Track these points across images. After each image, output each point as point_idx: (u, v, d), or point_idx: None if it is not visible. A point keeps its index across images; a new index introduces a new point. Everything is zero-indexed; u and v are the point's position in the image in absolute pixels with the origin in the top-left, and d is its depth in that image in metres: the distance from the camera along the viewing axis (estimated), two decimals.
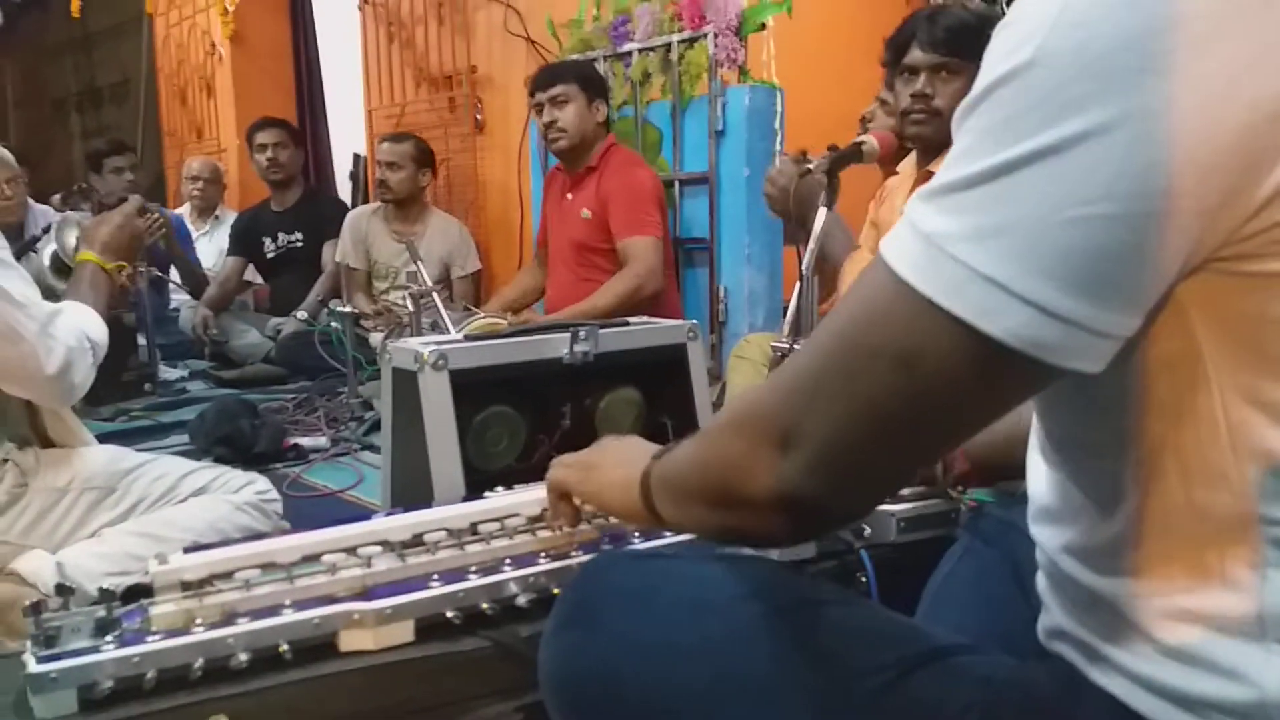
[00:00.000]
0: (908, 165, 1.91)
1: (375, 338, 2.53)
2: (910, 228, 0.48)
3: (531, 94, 2.77)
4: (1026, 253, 0.44)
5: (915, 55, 1.70)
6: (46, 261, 2.01)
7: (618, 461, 0.75)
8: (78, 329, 1.25)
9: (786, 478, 0.51)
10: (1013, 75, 0.44)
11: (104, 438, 1.58)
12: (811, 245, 1.53)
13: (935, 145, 1.75)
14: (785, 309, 1.84)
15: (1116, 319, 0.45)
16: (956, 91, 1.69)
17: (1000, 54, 0.46)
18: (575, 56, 3.09)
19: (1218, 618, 0.49)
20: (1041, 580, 0.64)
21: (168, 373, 3.03)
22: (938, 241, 0.46)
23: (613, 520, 0.94)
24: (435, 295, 2.16)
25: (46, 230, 3.12)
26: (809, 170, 1.59)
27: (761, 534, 0.58)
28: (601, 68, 3.01)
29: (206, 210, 4.32)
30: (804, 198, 1.74)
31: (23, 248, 2.56)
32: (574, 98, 2.67)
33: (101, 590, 0.78)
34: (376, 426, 2.24)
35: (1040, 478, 0.62)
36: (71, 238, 1.59)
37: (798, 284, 1.55)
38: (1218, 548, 0.49)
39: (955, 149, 0.48)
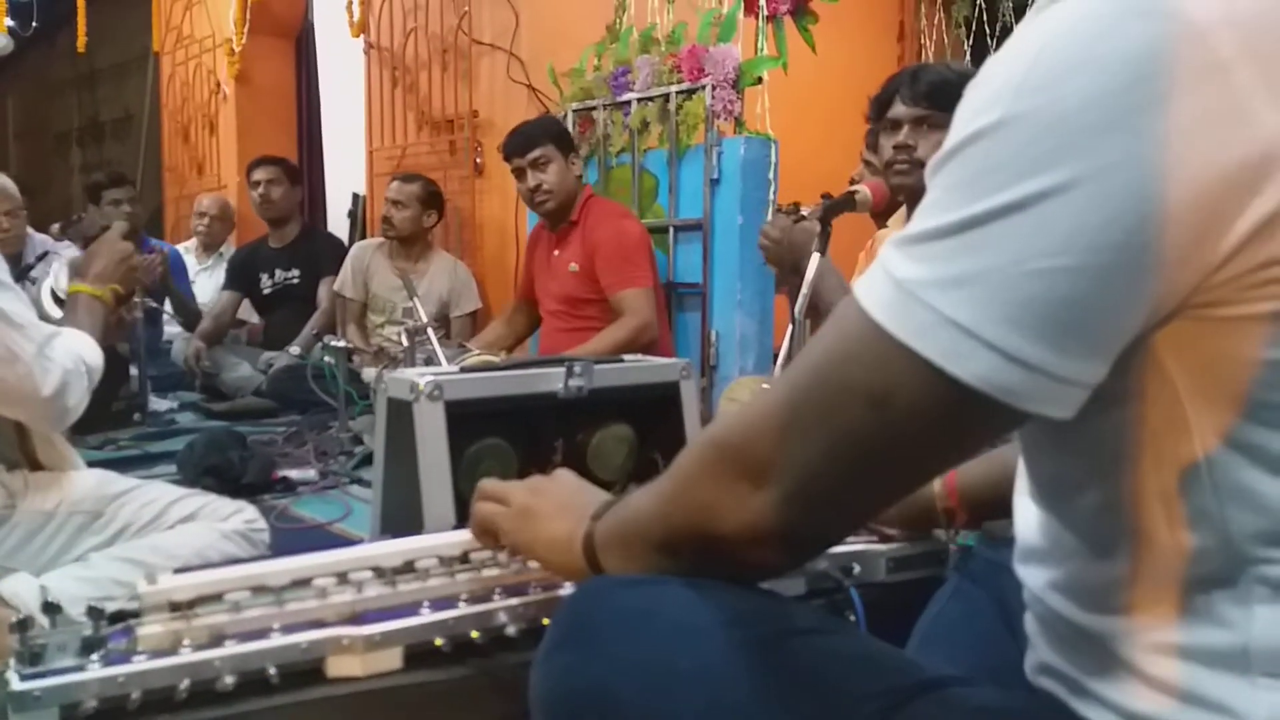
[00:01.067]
0: (897, 220, 1.96)
1: (368, 373, 2.54)
2: (883, 272, 0.50)
3: (507, 159, 2.79)
4: (991, 301, 0.46)
5: (898, 109, 1.77)
6: (46, 296, 2.02)
7: (556, 512, 0.74)
8: (74, 352, 1.26)
9: (762, 512, 0.53)
10: (981, 134, 0.47)
11: (91, 466, 1.58)
12: (804, 290, 1.55)
13: (920, 195, 1.79)
14: (775, 354, 1.87)
15: (1079, 366, 0.47)
16: (937, 143, 1.70)
17: (970, 112, 0.48)
18: (575, 105, 3.15)
19: (1204, 652, 0.49)
20: (1029, 619, 0.64)
21: (158, 403, 3.02)
22: (909, 287, 0.48)
23: None
24: (430, 331, 2.17)
25: (41, 258, 3.15)
26: (803, 217, 1.63)
27: (727, 571, 0.59)
28: (600, 116, 3.06)
29: (211, 246, 4.34)
30: (797, 244, 1.79)
31: (17, 276, 2.57)
32: (553, 158, 2.71)
33: (89, 608, 0.78)
34: (366, 461, 2.24)
35: (1027, 518, 0.63)
36: (65, 278, 1.61)
37: (790, 327, 1.57)
38: (1204, 585, 0.50)
39: (927, 200, 0.50)
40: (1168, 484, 0.50)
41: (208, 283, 4.19)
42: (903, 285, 0.49)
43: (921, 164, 1.74)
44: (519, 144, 2.74)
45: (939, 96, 1.73)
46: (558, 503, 0.76)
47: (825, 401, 0.51)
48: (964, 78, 1.78)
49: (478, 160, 3.72)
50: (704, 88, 2.78)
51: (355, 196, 4.44)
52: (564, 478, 0.81)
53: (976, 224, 0.47)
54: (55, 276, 1.86)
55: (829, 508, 0.53)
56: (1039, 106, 0.45)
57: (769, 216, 2.81)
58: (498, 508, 0.81)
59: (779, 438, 0.52)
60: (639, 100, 2.98)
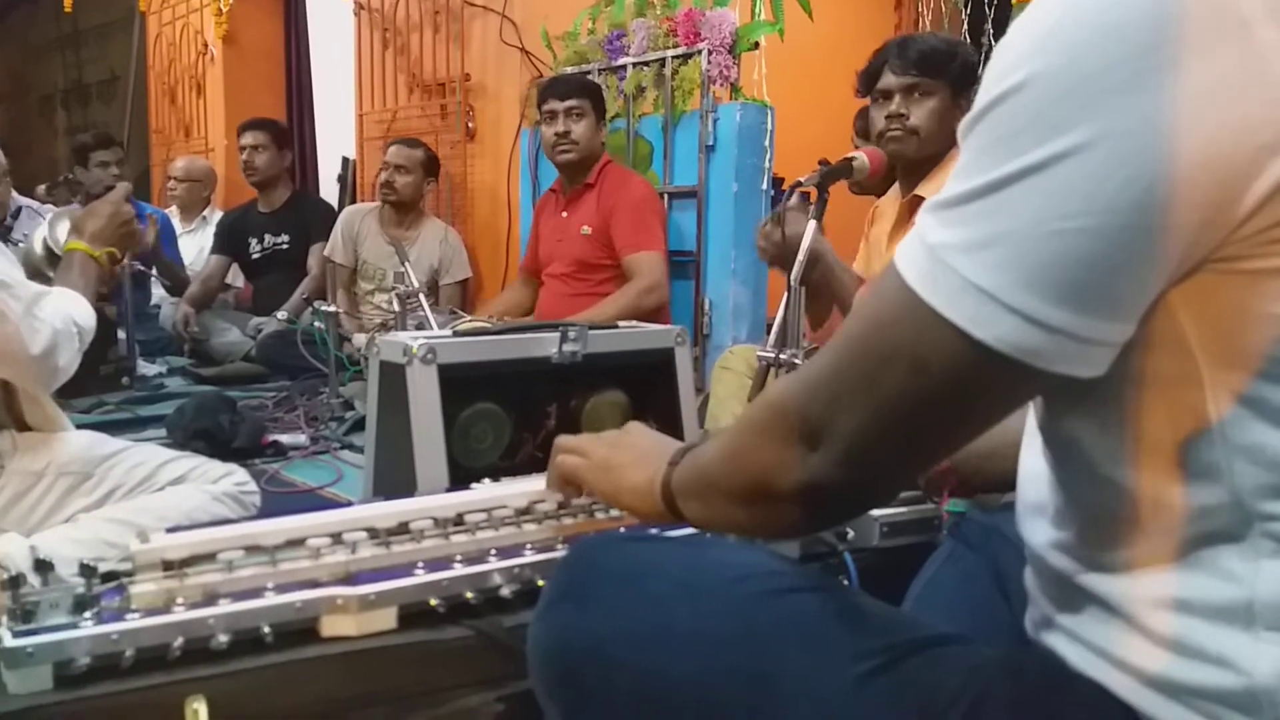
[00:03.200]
0: (896, 189, 1.94)
1: (359, 338, 2.52)
2: (919, 238, 0.51)
3: (542, 100, 2.75)
4: (1013, 264, 0.47)
5: (888, 79, 1.78)
6: (40, 251, 1.99)
7: (635, 461, 0.77)
8: (64, 312, 1.24)
9: (817, 472, 0.55)
10: (1006, 96, 0.48)
11: (80, 428, 1.56)
12: (800, 257, 1.54)
13: (915, 164, 1.79)
14: (769, 323, 1.86)
15: (1102, 326, 0.47)
16: (929, 110, 1.76)
17: (996, 75, 0.49)
18: (569, 69, 3.11)
19: (1207, 607, 0.50)
20: (1029, 576, 0.64)
21: (146, 368, 3.00)
22: (938, 253, 0.49)
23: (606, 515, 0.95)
24: (422, 297, 2.15)
25: (16, 215, 3.10)
26: (799, 184, 1.62)
27: (786, 525, 0.61)
28: (595, 80, 3.03)
29: (190, 210, 4.29)
30: (795, 233, 1.76)
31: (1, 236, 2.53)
32: (587, 113, 2.69)
33: (82, 566, 0.77)
34: (357, 426, 2.23)
35: (1032, 475, 0.63)
36: (62, 231, 1.57)
37: (785, 295, 1.56)
38: (1210, 541, 0.50)
39: (958, 165, 0.51)
40: (1177, 439, 0.50)
41: (190, 246, 4.14)
42: (934, 250, 0.50)
43: (915, 131, 1.76)
44: (561, 88, 2.73)
45: (928, 64, 1.74)
46: (636, 453, 0.78)
47: (869, 367, 0.52)
48: (952, 46, 1.81)
49: (469, 125, 3.68)
50: (700, 52, 2.75)
51: (345, 160, 4.39)
52: (637, 429, 0.83)
53: (998, 188, 0.47)
54: (51, 227, 1.83)
55: (878, 468, 0.55)
56: (1061, 68, 0.46)
57: (763, 186, 2.80)
58: (579, 460, 0.82)
59: (830, 403, 0.54)
60: (634, 65, 2.94)
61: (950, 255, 0.49)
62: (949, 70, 1.75)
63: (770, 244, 1.77)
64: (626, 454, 0.79)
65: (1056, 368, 0.48)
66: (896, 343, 0.51)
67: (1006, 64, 0.48)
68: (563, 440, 0.86)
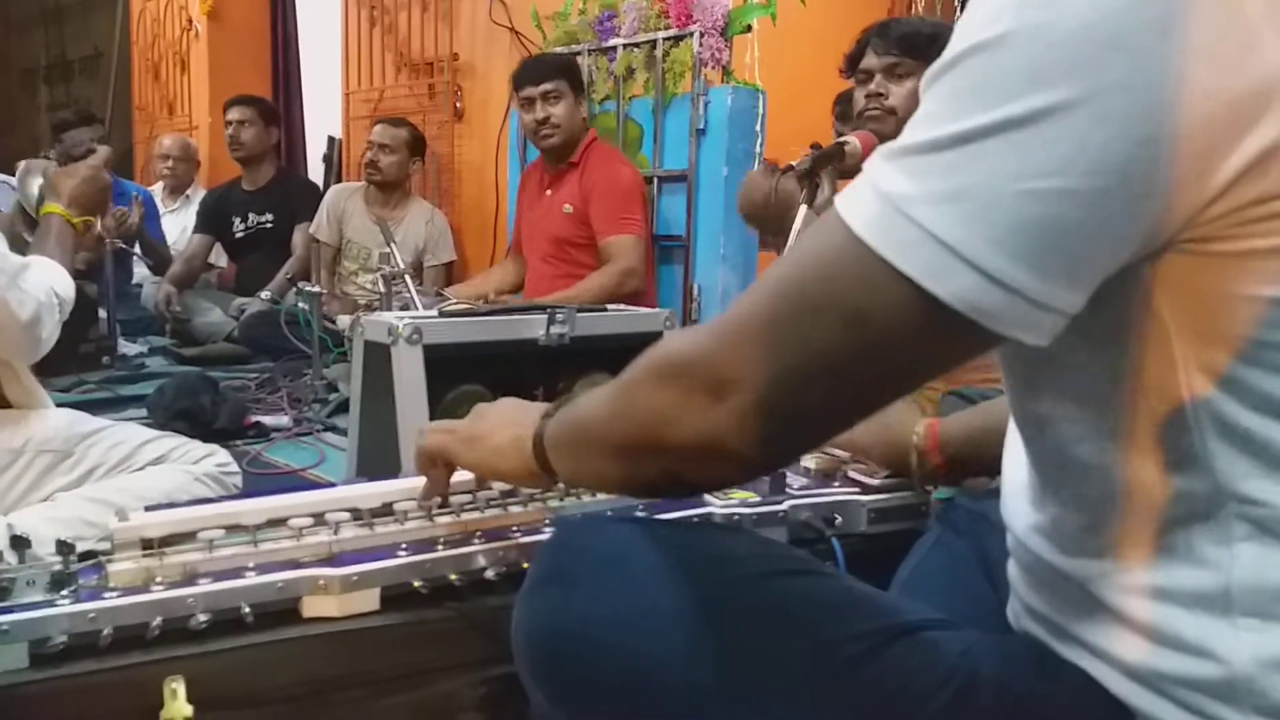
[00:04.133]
0: None
1: (343, 320, 2.50)
2: (870, 186, 0.49)
3: (518, 87, 2.74)
4: (979, 219, 0.45)
5: (870, 60, 1.82)
6: (13, 209, 1.94)
7: (503, 424, 0.74)
8: (46, 284, 1.22)
9: (719, 424, 0.51)
10: (985, 46, 0.45)
11: (59, 407, 1.54)
12: (791, 241, 1.53)
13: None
14: None
15: (1058, 293, 0.46)
16: (908, 91, 1.81)
17: (973, 25, 0.46)
18: (560, 49, 3.08)
19: (1184, 594, 0.49)
20: (1011, 564, 0.64)
21: (127, 347, 2.97)
22: (895, 201, 0.47)
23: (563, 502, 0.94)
24: (408, 278, 2.13)
25: None
26: (791, 167, 1.61)
27: (663, 483, 0.58)
28: (585, 62, 3.00)
29: (178, 189, 4.24)
30: (782, 201, 1.77)
31: None
32: (564, 94, 2.67)
33: (59, 544, 0.76)
34: (341, 408, 2.21)
35: (1015, 458, 0.63)
36: (34, 186, 1.53)
37: None
38: (1186, 526, 0.49)
39: (921, 111, 0.48)
40: (1154, 422, 0.49)
41: (173, 225, 4.09)
42: (889, 199, 0.47)
43: (893, 111, 1.80)
44: (534, 73, 2.70)
45: (909, 45, 1.77)
46: (503, 418, 0.75)
47: (798, 316, 0.50)
48: (935, 28, 1.85)
49: (458, 105, 3.65)
50: (692, 35, 2.72)
51: (331, 140, 4.35)
52: (506, 401, 0.80)
53: (971, 138, 0.45)
54: (22, 182, 1.77)
55: (792, 423, 0.52)
56: (1046, 21, 0.44)
57: (755, 168, 2.78)
58: (444, 436, 0.80)
59: (746, 351, 0.51)
60: (625, 46, 2.92)
61: (908, 205, 0.46)
62: (929, 52, 1.78)
63: (751, 200, 1.79)
64: (493, 419, 0.76)
65: (1006, 330, 0.46)
66: (833, 292, 0.48)
67: (986, 14, 0.46)
68: (427, 425, 0.83)
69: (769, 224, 1.82)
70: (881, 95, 1.77)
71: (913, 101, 1.85)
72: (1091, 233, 0.45)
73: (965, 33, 0.47)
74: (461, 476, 0.94)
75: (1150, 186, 0.43)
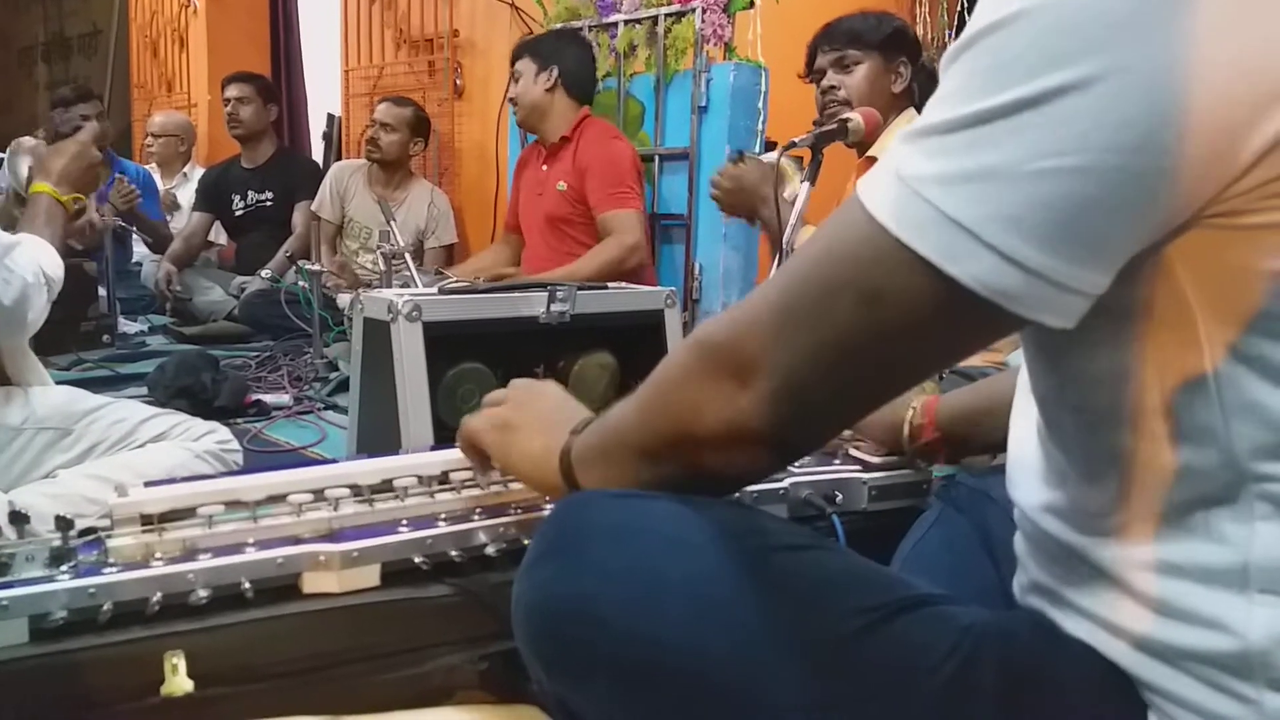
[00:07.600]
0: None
1: (343, 298, 2.49)
2: (889, 169, 0.48)
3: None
4: (996, 200, 0.44)
5: (820, 60, 1.99)
6: (3, 187, 1.93)
7: (539, 424, 0.73)
8: (34, 263, 1.21)
9: (747, 410, 0.52)
10: (1001, 24, 0.45)
11: (60, 385, 1.54)
12: (792, 219, 1.53)
13: None
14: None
15: (1080, 273, 0.45)
16: (859, 78, 1.95)
17: (989, 5, 0.46)
18: (560, 25, 3.06)
19: (1200, 569, 0.49)
20: (1018, 539, 0.64)
21: (127, 326, 2.96)
22: (912, 183, 0.47)
23: None
24: (408, 256, 2.13)
25: None
26: (793, 144, 1.59)
27: (707, 478, 0.58)
28: (586, 38, 2.97)
29: (167, 165, 4.22)
30: (749, 187, 1.80)
31: None
32: (524, 72, 2.71)
33: (58, 519, 0.76)
34: (341, 387, 2.21)
35: (1023, 438, 0.62)
36: (24, 166, 1.51)
37: (775, 258, 1.55)
38: (1204, 503, 0.49)
39: (939, 92, 0.48)
40: (1172, 399, 0.49)
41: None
42: (906, 181, 0.47)
43: (847, 101, 1.92)
44: (512, 56, 2.78)
45: (853, 37, 1.92)
46: (538, 417, 0.74)
47: (816, 299, 0.50)
48: (878, 17, 1.97)
49: (457, 82, 3.62)
50: (694, 11, 2.70)
51: (330, 117, 4.32)
52: (549, 390, 0.78)
53: (987, 119, 0.45)
54: (10, 162, 1.77)
55: (814, 407, 0.52)
56: None
57: (756, 149, 2.76)
58: (481, 424, 0.78)
59: (768, 335, 0.51)
60: (626, 22, 2.89)
61: (925, 186, 0.46)
62: (874, 39, 1.92)
63: (723, 191, 1.83)
64: (528, 416, 0.74)
65: (1026, 312, 0.46)
66: (852, 276, 0.48)
67: None
68: (488, 398, 0.81)
69: (742, 207, 1.87)
70: (835, 88, 1.91)
71: (865, 85, 1.95)
72: (1111, 211, 0.44)
73: (983, 12, 0.46)
74: None
75: (1169, 162, 0.43)
